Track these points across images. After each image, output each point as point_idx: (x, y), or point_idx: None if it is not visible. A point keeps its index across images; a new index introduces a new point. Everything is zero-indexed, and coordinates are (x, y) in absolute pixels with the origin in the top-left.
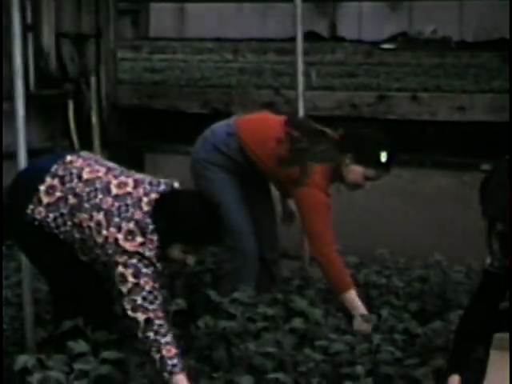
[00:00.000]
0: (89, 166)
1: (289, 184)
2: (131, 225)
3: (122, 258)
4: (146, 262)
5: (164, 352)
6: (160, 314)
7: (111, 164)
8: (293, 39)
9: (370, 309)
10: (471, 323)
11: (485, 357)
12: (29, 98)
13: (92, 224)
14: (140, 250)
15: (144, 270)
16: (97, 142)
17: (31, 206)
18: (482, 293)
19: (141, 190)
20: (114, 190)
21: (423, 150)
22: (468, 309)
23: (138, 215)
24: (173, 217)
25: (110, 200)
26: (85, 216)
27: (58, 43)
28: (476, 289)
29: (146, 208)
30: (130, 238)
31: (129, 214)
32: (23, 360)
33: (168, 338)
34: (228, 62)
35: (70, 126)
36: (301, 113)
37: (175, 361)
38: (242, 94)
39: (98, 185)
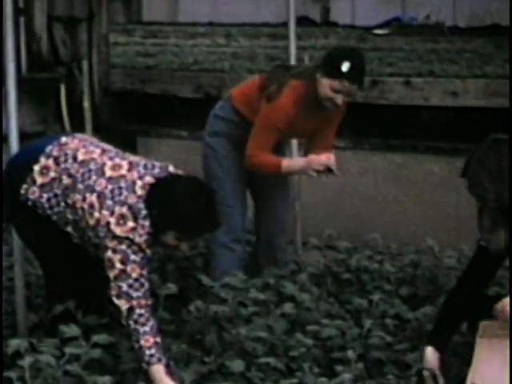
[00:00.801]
0: (84, 147)
1: (263, 100)
2: (124, 209)
3: (111, 243)
4: (135, 248)
5: (142, 342)
6: (143, 302)
7: (106, 146)
8: (285, 24)
9: (361, 294)
10: (458, 298)
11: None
12: (21, 82)
13: (85, 205)
14: (130, 235)
15: (132, 257)
16: (89, 126)
17: (25, 186)
18: (472, 267)
19: (135, 173)
20: (108, 172)
21: (416, 135)
22: (457, 283)
23: (131, 199)
24: (168, 202)
25: (103, 182)
26: (78, 197)
27: (50, 27)
28: (467, 264)
29: (139, 192)
30: (121, 222)
31: (122, 198)
32: (15, 344)
33: (147, 328)
34: (221, 46)
35: (62, 109)
36: None
37: (153, 351)
38: (235, 79)
39: (92, 166)
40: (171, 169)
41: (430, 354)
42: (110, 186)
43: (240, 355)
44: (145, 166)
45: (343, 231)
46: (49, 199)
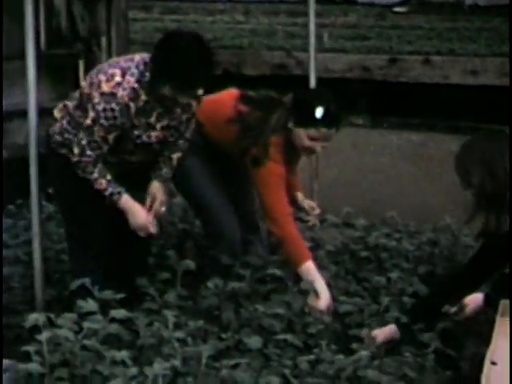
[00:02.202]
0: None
1: (247, 161)
2: (116, 70)
3: (96, 100)
4: (109, 113)
5: (97, 186)
6: (91, 160)
7: None
8: (305, 1)
9: (379, 271)
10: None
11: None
12: (40, 58)
13: (91, 88)
14: (114, 90)
15: (102, 121)
16: None
17: (50, 129)
18: (479, 254)
19: (145, 56)
20: (120, 60)
21: (434, 113)
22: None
23: (125, 62)
24: (164, 52)
25: (111, 63)
26: (86, 87)
27: (68, 3)
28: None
29: (136, 58)
30: (110, 79)
31: (117, 62)
32: (34, 318)
33: (96, 174)
34: (239, 23)
35: (81, 85)
36: (312, 75)
37: (110, 190)
38: (254, 56)
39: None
40: None
41: (388, 330)
42: (111, 63)
43: (257, 332)
44: None
45: (361, 209)
46: (68, 122)
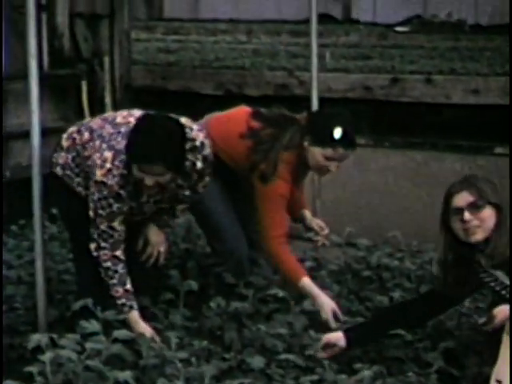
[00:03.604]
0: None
1: (255, 178)
2: (109, 153)
3: (92, 188)
4: (103, 202)
5: (113, 293)
6: (109, 253)
7: None
8: (307, 21)
9: (382, 291)
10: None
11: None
12: (42, 78)
13: (93, 152)
14: (104, 179)
15: (100, 212)
16: None
17: (55, 155)
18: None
19: None
20: (118, 119)
21: (437, 132)
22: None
23: (120, 145)
24: (132, 135)
25: (109, 127)
26: (92, 147)
27: (71, 23)
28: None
29: (131, 121)
30: (102, 165)
31: (113, 143)
32: (36, 339)
33: (114, 280)
34: (242, 43)
35: (84, 106)
36: (314, 95)
37: (123, 300)
38: (256, 76)
39: (109, 118)
40: (182, 119)
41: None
42: (111, 131)
43: (260, 352)
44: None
45: (363, 228)
46: (73, 159)
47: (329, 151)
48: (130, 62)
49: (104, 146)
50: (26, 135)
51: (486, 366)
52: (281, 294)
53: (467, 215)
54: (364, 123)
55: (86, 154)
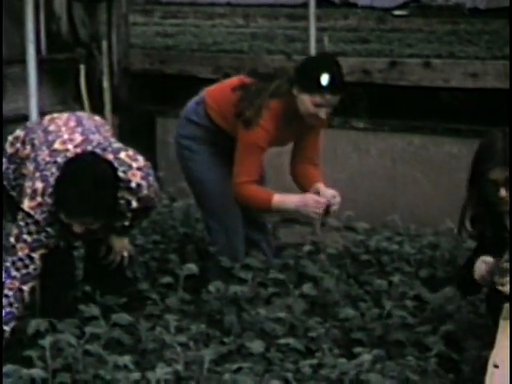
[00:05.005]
0: (64, 120)
1: (239, 125)
2: (41, 184)
3: (18, 215)
4: (32, 227)
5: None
6: (16, 284)
7: (91, 121)
8: (305, 5)
9: (380, 275)
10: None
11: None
12: (40, 62)
13: (28, 182)
14: (32, 212)
15: (24, 237)
16: (108, 107)
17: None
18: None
19: (79, 150)
20: (56, 145)
21: (435, 116)
22: None
23: (52, 177)
24: (57, 179)
25: (45, 153)
26: (27, 169)
27: (69, 7)
28: None
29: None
30: (33, 196)
31: (47, 173)
32: (36, 323)
33: (3, 312)
34: (239, 27)
35: (82, 90)
36: None
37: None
38: (254, 60)
39: (50, 137)
40: (123, 154)
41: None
42: (47, 159)
43: (259, 336)
44: (97, 145)
45: (362, 212)
46: (14, 170)
47: (317, 98)
48: (127, 45)
49: (37, 174)
50: (23, 119)
51: (486, 350)
52: (280, 277)
53: (503, 192)
54: (362, 107)
55: (24, 171)
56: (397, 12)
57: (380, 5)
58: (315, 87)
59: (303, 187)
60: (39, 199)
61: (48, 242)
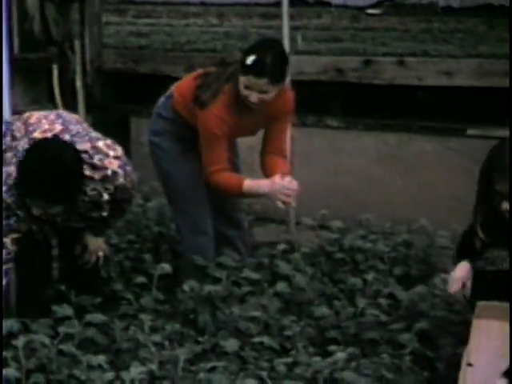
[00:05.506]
0: (43, 114)
1: (196, 110)
2: (14, 169)
3: None
4: (4, 212)
5: None
6: None
7: (71, 116)
8: (278, 4)
9: (355, 273)
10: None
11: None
12: (13, 62)
13: (4, 167)
14: (5, 195)
15: None
16: (81, 106)
17: None
18: None
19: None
20: (36, 134)
21: (409, 115)
22: None
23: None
24: (23, 166)
25: (25, 141)
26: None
27: (42, 6)
28: None
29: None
30: (5, 180)
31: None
32: (9, 324)
33: None
34: (213, 26)
35: (55, 89)
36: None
37: None
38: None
39: (30, 128)
40: (101, 143)
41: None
42: (25, 146)
43: (234, 335)
44: (77, 133)
45: (336, 211)
46: None
47: (246, 80)
48: (100, 45)
49: (14, 160)
50: None
51: (461, 347)
52: (254, 276)
53: (505, 205)
54: (336, 105)
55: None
56: (370, 11)
57: (354, 4)
58: (243, 69)
59: (265, 176)
60: (10, 182)
61: (19, 225)
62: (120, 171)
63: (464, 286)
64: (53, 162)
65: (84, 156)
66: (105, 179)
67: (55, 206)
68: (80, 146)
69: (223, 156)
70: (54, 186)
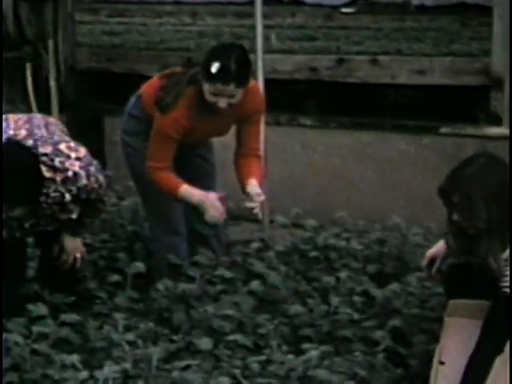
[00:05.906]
0: (14, 119)
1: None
2: None
3: None
4: None
5: None
6: None
7: (48, 121)
8: (252, 3)
9: (329, 271)
10: None
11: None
12: None
13: None
14: None
15: None
16: (55, 106)
17: None
18: None
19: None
20: (11, 131)
21: (383, 113)
22: None
23: None
24: None
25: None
26: None
27: (15, 6)
28: None
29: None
30: None
31: None
32: None
33: None
34: (187, 25)
35: (28, 89)
36: (260, 76)
37: None
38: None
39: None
40: (62, 145)
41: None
42: None
43: (208, 333)
44: (40, 138)
45: (310, 209)
46: None
47: (211, 87)
48: (74, 44)
49: None
50: None
51: (434, 344)
52: (228, 274)
53: (455, 216)
54: (310, 104)
55: None
56: (344, 9)
57: (328, 2)
58: (208, 76)
59: (238, 179)
60: None
61: None
62: (82, 172)
63: (433, 262)
64: (8, 165)
65: (44, 159)
66: (66, 181)
67: (15, 209)
68: (42, 150)
69: (170, 155)
70: (10, 188)
